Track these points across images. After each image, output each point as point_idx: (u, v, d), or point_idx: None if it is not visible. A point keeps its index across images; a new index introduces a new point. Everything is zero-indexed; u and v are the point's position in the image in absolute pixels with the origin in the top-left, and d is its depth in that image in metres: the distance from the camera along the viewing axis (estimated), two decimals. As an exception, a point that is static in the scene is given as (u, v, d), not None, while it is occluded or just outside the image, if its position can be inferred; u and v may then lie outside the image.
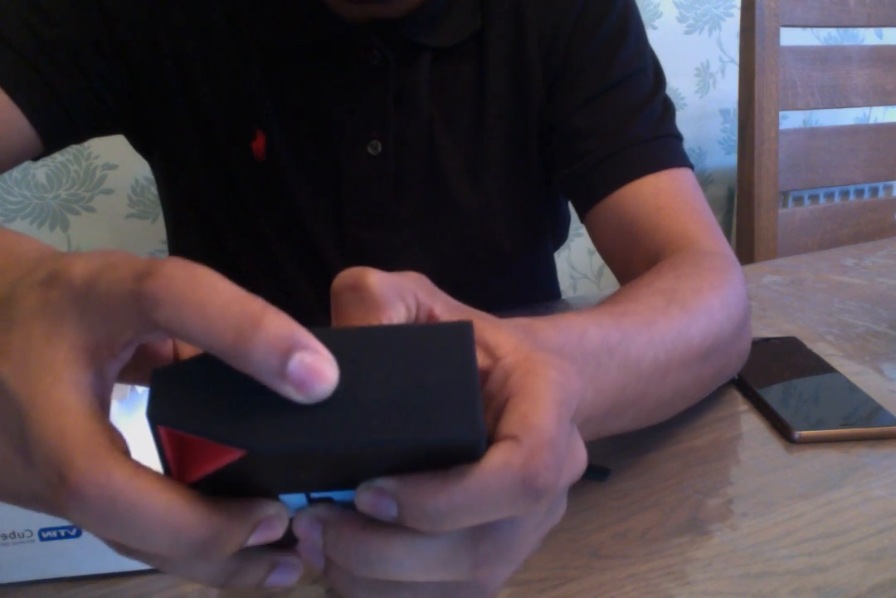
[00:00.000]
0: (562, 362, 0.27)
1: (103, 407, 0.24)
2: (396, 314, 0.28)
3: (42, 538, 0.39)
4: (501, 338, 0.28)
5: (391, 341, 0.24)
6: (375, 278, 0.28)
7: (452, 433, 0.22)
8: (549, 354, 0.28)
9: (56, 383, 0.23)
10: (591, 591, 0.39)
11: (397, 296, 0.28)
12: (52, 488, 0.22)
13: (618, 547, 0.42)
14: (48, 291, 0.24)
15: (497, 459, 0.23)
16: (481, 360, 0.28)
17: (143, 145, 0.73)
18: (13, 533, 0.39)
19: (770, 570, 0.40)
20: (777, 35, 1.15)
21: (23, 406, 0.23)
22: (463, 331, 0.24)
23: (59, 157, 1.35)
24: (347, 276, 0.28)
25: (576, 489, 0.46)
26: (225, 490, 0.23)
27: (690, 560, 0.41)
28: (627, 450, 0.50)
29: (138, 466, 0.22)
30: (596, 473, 0.47)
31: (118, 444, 0.23)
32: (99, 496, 0.21)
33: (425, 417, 0.22)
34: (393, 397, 0.23)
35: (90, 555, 0.40)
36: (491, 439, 0.24)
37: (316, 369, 0.22)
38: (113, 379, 0.25)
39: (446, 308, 0.30)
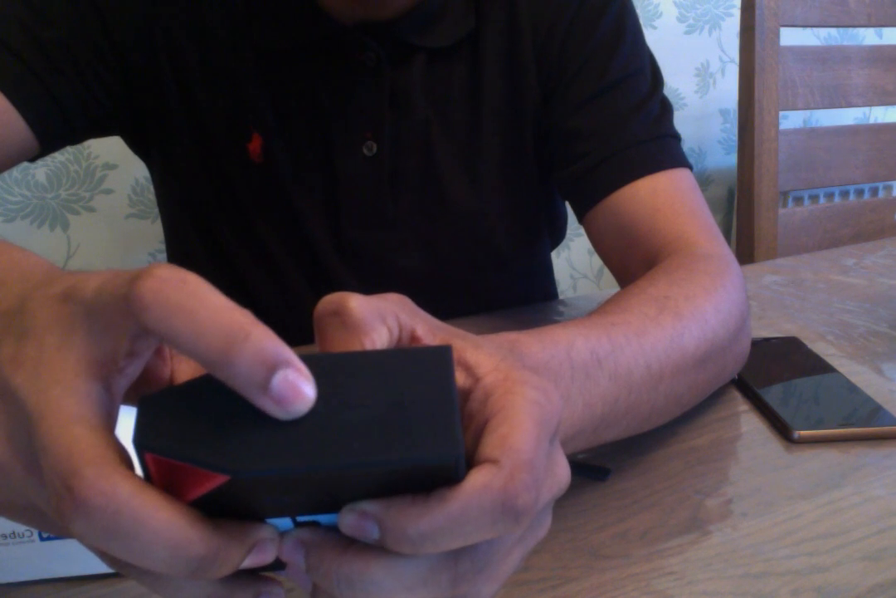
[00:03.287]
0: (542, 381, 0.28)
1: (111, 421, 0.24)
2: (379, 337, 0.28)
3: (42, 538, 0.39)
4: (482, 358, 0.29)
5: (372, 366, 0.24)
6: (356, 303, 0.28)
7: (430, 454, 0.23)
8: (529, 373, 0.28)
9: (66, 395, 0.23)
10: (592, 591, 0.39)
11: (379, 319, 0.28)
12: (58, 498, 0.22)
13: (618, 547, 0.42)
14: (63, 306, 0.24)
15: (477, 482, 0.24)
16: (462, 380, 0.28)
17: (139, 147, 0.73)
18: (13, 533, 0.39)
19: (770, 570, 0.40)
20: (777, 35, 1.15)
21: (33, 416, 0.23)
22: (442, 354, 0.25)
23: (59, 157, 1.35)
24: (329, 301, 0.28)
25: (576, 489, 0.46)
26: (213, 514, 0.24)
27: (690, 560, 0.41)
28: (628, 450, 0.50)
29: (142, 481, 0.23)
30: (596, 473, 0.48)
31: (124, 458, 0.23)
32: (104, 508, 0.22)
33: (404, 438, 0.23)
34: (373, 420, 0.23)
35: (90, 555, 0.39)
36: (472, 460, 0.25)
37: (297, 386, 0.22)
38: (120, 395, 0.25)
39: (428, 329, 0.30)
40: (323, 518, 0.25)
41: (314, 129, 0.67)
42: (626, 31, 0.69)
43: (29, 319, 0.25)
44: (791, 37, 1.20)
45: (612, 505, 0.45)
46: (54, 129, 0.62)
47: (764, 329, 0.69)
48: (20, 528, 0.39)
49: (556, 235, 0.86)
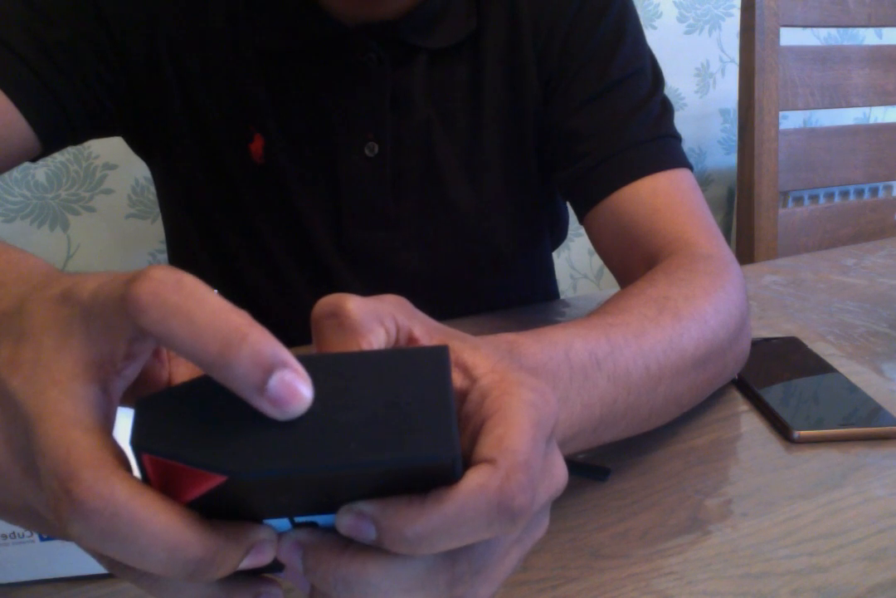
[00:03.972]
0: (538, 383, 0.28)
1: (108, 423, 0.24)
2: (376, 339, 0.28)
3: (42, 538, 0.39)
4: (479, 359, 0.29)
5: (369, 366, 0.24)
6: (354, 304, 0.28)
7: (427, 454, 0.23)
8: (526, 374, 0.28)
9: (64, 397, 0.23)
10: (592, 591, 0.39)
11: (376, 320, 0.28)
12: (55, 501, 0.22)
13: (618, 547, 0.42)
14: (60, 308, 0.24)
15: (473, 482, 0.24)
16: (459, 381, 0.28)
17: (141, 147, 0.73)
18: (13, 533, 0.39)
19: (770, 570, 0.40)
20: (777, 35, 1.15)
21: (31, 418, 0.23)
22: (439, 354, 0.25)
23: (59, 157, 1.35)
24: (326, 303, 0.28)
25: (576, 489, 0.46)
26: (211, 515, 0.24)
27: (690, 560, 0.41)
28: (627, 450, 0.50)
29: (140, 483, 0.23)
30: (596, 473, 0.48)
31: (121, 460, 0.23)
32: (101, 510, 0.22)
33: (401, 438, 0.23)
34: (370, 420, 0.23)
35: (90, 555, 0.40)
36: (469, 461, 0.25)
37: (293, 387, 0.22)
38: (118, 397, 0.25)
39: (426, 330, 0.30)
40: (321, 519, 0.25)
41: (316, 129, 0.67)
42: (627, 32, 0.69)
43: (27, 320, 0.25)
44: (791, 37, 1.20)
45: (612, 505, 0.45)
46: (56, 129, 0.62)
47: (764, 329, 0.69)
48: (20, 528, 0.39)
49: (557, 235, 0.86)
